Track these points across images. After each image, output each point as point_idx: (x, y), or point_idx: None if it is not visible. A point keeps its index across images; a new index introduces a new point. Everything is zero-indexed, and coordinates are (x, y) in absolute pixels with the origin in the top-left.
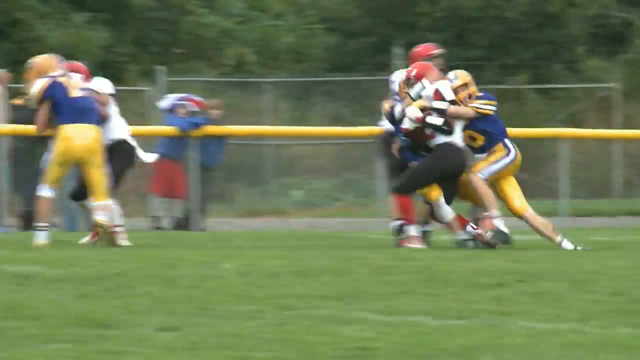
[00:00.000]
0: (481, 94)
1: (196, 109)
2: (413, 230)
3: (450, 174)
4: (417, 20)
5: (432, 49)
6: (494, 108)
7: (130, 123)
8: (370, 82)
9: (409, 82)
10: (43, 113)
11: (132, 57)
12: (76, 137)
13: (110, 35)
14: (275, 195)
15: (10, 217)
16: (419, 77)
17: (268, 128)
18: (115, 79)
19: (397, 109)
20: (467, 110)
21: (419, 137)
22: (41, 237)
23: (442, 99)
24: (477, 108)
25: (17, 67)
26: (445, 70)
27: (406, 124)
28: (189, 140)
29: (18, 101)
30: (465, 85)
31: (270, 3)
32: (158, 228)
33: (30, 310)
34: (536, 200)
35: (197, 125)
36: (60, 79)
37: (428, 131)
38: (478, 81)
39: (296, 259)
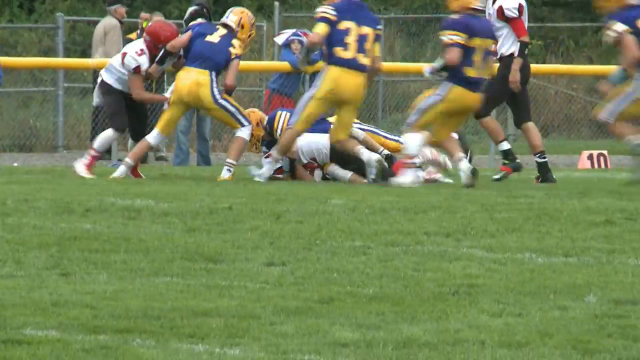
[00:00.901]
0: None
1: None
2: None
3: None
4: None
5: None
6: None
7: (246, 58)
8: None
9: None
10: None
11: None
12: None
13: None
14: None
15: (121, 151)
16: None
17: (382, 64)
18: None
19: None
20: None
21: None
22: None
23: None
24: None
25: (133, 1)
26: None
27: None
28: (302, 76)
29: (133, 36)
30: None
31: None
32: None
33: (139, 244)
34: None
35: (311, 61)
36: None
37: None
38: (596, 19)
39: (405, 195)
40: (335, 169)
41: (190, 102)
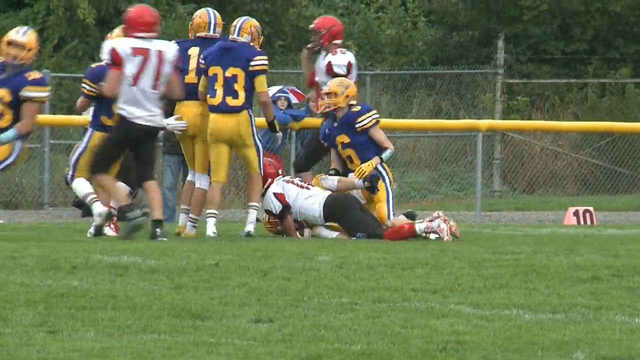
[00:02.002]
0: None
1: (297, 101)
2: None
3: None
4: (521, 13)
5: None
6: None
7: None
8: (471, 75)
9: None
10: None
11: None
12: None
13: None
14: None
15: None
16: None
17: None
18: None
19: None
20: None
21: None
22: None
23: None
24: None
25: None
26: None
27: None
28: (289, 132)
29: None
30: None
31: None
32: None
33: (126, 301)
34: (635, 195)
35: (297, 118)
36: None
37: None
38: (581, 75)
39: (392, 251)
40: (321, 230)
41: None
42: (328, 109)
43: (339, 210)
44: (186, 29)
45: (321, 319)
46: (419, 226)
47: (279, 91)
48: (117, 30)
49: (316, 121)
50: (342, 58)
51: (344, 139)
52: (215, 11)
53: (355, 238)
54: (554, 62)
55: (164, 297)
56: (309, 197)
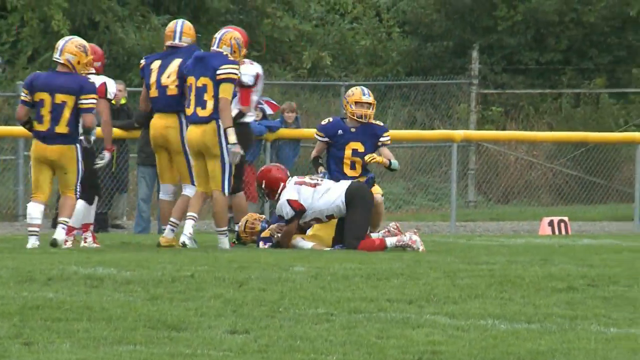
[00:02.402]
0: None
1: (272, 112)
2: None
3: None
4: (495, 24)
5: None
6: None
7: None
8: (446, 85)
9: None
10: None
11: None
12: None
13: None
14: None
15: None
16: None
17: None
18: None
19: None
20: None
21: None
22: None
23: None
24: None
25: None
26: None
27: None
28: (263, 143)
29: None
30: None
31: (348, 6)
32: (230, 230)
33: (101, 313)
34: (609, 205)
35: (272, 129)
36: None
37: None
38: (556, 85)
39: (367, 262)
40: (298, 241)
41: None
42: (366, 120)
43: (361, 199)
44: (161, 41)
45: (297, 330)
46: (390, 240)
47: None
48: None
49: (291, 132)
50: (250, 69)
51: (358, 146)
52: (186, 22)
53: (334, 249)
54: (529, 73)
55: (140, 308)
56: (326, 191)
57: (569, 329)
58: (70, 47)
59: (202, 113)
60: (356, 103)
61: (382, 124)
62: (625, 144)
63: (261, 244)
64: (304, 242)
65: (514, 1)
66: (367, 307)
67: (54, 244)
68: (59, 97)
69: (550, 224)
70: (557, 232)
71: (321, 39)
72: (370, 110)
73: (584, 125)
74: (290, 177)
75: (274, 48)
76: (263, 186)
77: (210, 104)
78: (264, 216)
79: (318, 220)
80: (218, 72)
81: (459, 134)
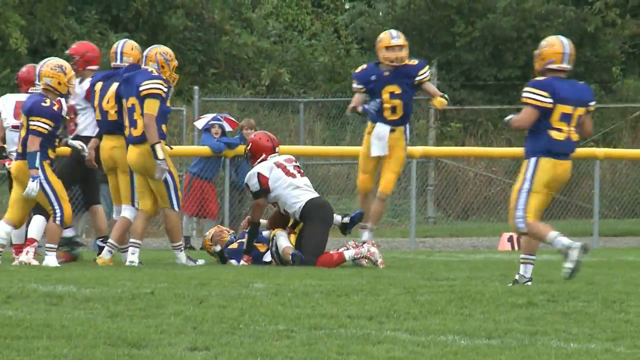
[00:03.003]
0: None
1: (230, 128)
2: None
3: None
4: (453, 40)
5: None
6: None
7: (165, 143)
8: None
9: None
10: None
11: None
12: None
13: None
14: None
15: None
16: None
17: (302, 148)
18: None
19: None
20: None
21: None
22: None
23: None
24: None
25: None
26: None
27: None
28: (222, 160)
29: None
30: None
31: (307, 23)
32: (189, 247)
33: (61, 330)
34: (569, 220)
35: (231, 145)
36: None
37: None
38: (514, 101)
39: (327, 278)
40: (279, 235)
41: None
42: (398, 64)
43: (316, 211)
44: None
45: (257, 347)
46: (348, 254)
47: (212, 119)
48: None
49: None
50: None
51: (394, 89)
52: (128, 42)
53: (292, 255)
54: (487, 89)
55: (100, 325)
56: (296, 188)
57: (529, 344)
58: (46, 71)
59: (135, 133)
60: (386, 48)
61: (416, 61)
62: (584, 160)
63: (233, 261)
64: (282, 239)
65: (471, 17)
66: (328, 323)
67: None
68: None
69: (510, 239)
70: (516, 247)
71: (279, 55)
72: (402, 52)
73: None
74: (276, 153)
75: (232, 65)
76: (249, 148)
77: (140, 123)
78: (232, 230)
79: (275, 204)
80: (140, 88)
81: (418, 150)
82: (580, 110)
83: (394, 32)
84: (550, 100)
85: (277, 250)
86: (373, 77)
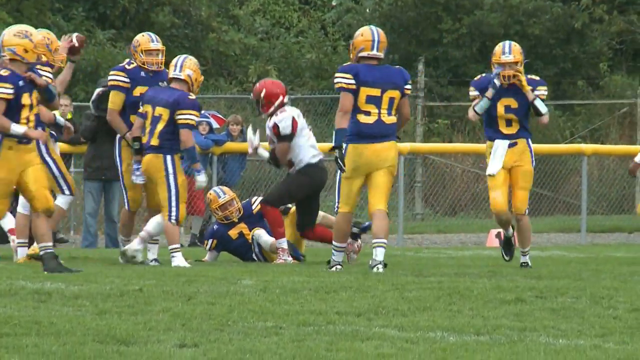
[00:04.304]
0: None
1: (218, 125)
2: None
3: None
4: (441, 37)
5: None
6: None
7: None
8: None
9: None
10: None
11: None
12: None
13: None
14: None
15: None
16: None
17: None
18: None
19: None
20: None
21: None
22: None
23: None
24: None
25: None
26: None
27: None
28: (210, 157)
29: None
30: None
31: (294, 20)
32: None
33: (50, 327)
34: (556, 217)
35: (218, 142)
36: None
37: None
38: None
39: (315, 275)
40: (261, 235)
41: None
42: (514, 80)
43: (320, 176)
44: (106, 55)
45: (246, 343)
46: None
47: (200, 116)
48: None
49: (237, 145)
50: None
51: (511, 102)
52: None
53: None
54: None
55: (88, 322)
56: (312, 146)
57: (518, 340)
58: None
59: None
60: (498, 64)
61: (537, 78)
62: (572, 156)
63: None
64: (265, 237)
65: (459, 14)
66: (316, 320)
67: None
68: None
69: (498, 235)
70: None
71: (267, 52)
72: (516, 67)
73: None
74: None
75: (219, 62)
76: (262, 95)
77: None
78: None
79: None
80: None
81: (406, 146)
82: (392, 93)
83: (506, 47)
84: (353, 82)
85: (260, 250)
86: (492, 90)
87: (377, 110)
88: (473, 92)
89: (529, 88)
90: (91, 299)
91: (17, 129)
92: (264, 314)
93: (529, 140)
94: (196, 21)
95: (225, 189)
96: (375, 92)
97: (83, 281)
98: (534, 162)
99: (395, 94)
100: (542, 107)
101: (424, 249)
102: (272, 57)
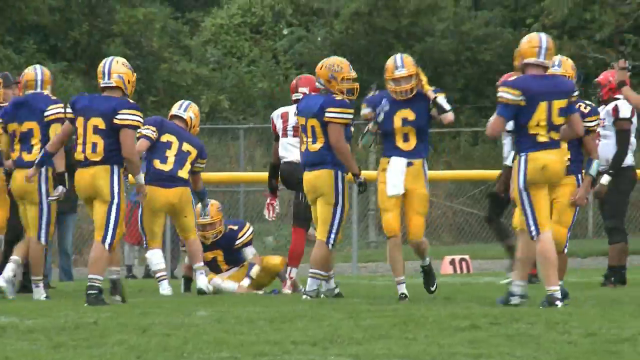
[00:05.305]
0: None
1: None
2: None
3: None
4: None
5: None
6: None
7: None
8: None
9: None
10: None
11: None
12: None
13: (85, 85)
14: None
15: None
16: None
17: (242, 174)
18: None
19: None
20: None
21: None
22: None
23: None
24: None
25: None
26: None
27: None
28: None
29: None
30: None
31: (245, 49)
32: (131, 276)
33: None
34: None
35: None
36: None
37: None
38: (453, 124)
39: (271, 304)
40: (221, 282)
41: None
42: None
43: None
44: (57, 87)
45: None
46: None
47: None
48: None
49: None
50: None
51: (408, 114)
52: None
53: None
54: None
55: (44, 356)
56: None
57: None
58: None
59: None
60: (392, 80)
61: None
62: None
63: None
64: (228, 284)
65: (410, 41)
66: (272, 350)
67: (202, 292)
68: None
69: (452, 262)
70: (458, 270)
71: (219, 82)
72: (411, 80)
73: (482, 163)
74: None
75: (171, 92)
76: (299, 80)
77: (36, 149)
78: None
79: None
80: (45, 114)
81: None
82: (312, 122)
83: (398, 60)
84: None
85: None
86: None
87: (305, 139)
88: (365, 110)
89: (429, 87)
90: (46, 332)
91: (140, 179)
92: (219, 344)
93: (425, 162)
94: (148, 52)
95: (214, 209)
96: (302, 120)
97: (37, 314)
98: (428, 186)
99: (314, 122)
100: (445, 105)
101: (379, 277)
102: (224, 86)
